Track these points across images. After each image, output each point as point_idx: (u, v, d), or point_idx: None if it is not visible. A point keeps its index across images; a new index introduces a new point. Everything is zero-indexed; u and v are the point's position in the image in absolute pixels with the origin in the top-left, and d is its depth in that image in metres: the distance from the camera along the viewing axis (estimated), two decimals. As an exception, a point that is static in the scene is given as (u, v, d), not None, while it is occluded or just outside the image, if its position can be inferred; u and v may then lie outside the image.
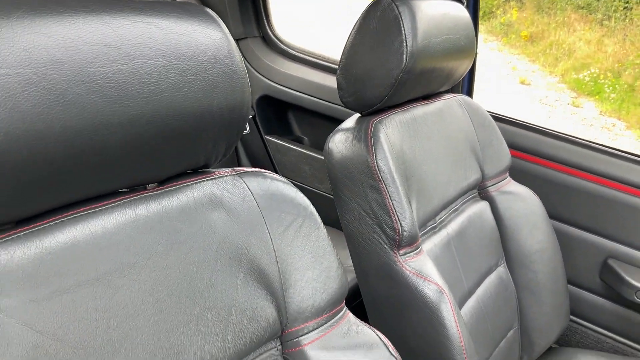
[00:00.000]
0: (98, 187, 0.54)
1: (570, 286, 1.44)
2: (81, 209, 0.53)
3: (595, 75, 7.19)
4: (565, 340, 1.50)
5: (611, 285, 1.40)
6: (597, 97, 6.79)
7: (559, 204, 1.45)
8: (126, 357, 0.53)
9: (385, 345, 0.75)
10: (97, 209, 0.55)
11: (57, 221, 0.51)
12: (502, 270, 1.28)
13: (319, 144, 1.94)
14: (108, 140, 0.49)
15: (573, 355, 1.37)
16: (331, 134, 1.04)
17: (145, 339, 0.55)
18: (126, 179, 0.56)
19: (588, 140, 1.46)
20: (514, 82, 7.38)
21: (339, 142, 1.01)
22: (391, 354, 0.74)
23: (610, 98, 6.44)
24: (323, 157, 1.76)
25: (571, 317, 1.46)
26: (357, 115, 1.08)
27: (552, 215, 1.41)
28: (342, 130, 1.03)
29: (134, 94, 0.50)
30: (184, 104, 0.55)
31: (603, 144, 1.45)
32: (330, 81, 1.81)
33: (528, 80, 7.58)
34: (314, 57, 1.92)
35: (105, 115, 0.48)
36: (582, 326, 1.49)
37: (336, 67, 1.66)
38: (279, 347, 0.71)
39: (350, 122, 1.06)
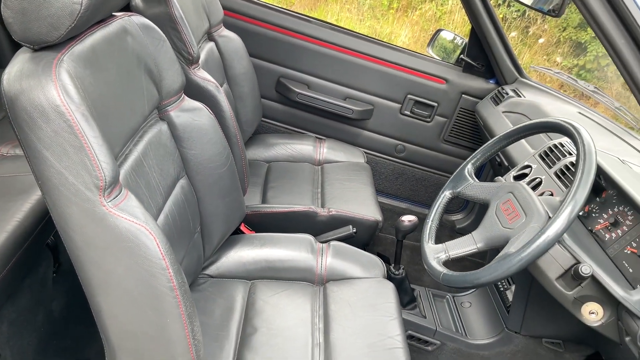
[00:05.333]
0: (95, 20, 1.02)
1: (265, 99, 2.30)
2: (90, 30, 1.02)
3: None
4: (258, 131, 2.38)
5: (282, 94, 2.31)
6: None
7: (254, 46, 2.23)
8: (118, 107, 1.07)
9: (207, 111, 1.41)
10: (96, 30, 1.03)
11: (89, 34, 1.00)
12: (225, 86, 2.01)
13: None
14: None
15: (264, 138, 2.27)
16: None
17: (122, 97, 1.09)
18: (102, 15, 1.06)
19: (277, 6, 2.26)
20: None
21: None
22: (210, 115, 1.42)
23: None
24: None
25: (262, 118, 2.33)
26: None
27: (251, 53, 2.18)
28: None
29: None
30: None
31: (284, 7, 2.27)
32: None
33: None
34: None
35: None
36: (267, 122, 2.39)
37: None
38: (157, 113, 1.30)
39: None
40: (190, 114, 1.36)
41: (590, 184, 1.12)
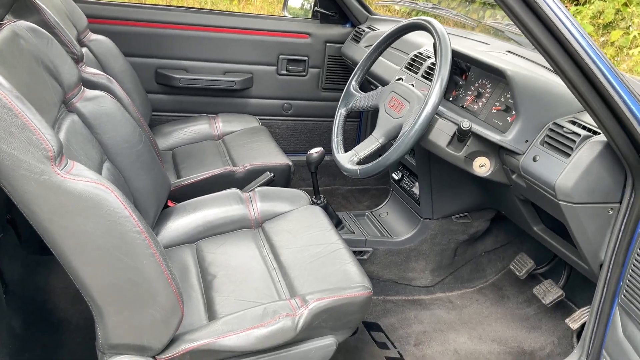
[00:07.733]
0: None
1: (149, 94, 2.37)
2: None
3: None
4: (152, 125, 2.45)
5: (164, 84, 2.40)
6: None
7: (126, 45, 2.30)
8: (35, 100, 1.15)
9: (109, 96, 1.50)
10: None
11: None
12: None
13: None
14: None
15: (160, 129, 2.35)
16: None
17: (35, 91, 1.17)
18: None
19: (146, 3, 2.33)
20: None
21: None
22: (113, 99, 1.51)
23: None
24: None
25: (153, 112, 2.41)
26: None
27: (125, 53, 2.25)
28: None
29: None
30: None
31: (157, 4, 2.35)
32: None
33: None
34: None
35: None
36: (159, 115, 2.48)
37: None
38: (64, 107, 1.38)
39: None
40: (94, 102, 1.45)
41: (450, 60, 1.37)
